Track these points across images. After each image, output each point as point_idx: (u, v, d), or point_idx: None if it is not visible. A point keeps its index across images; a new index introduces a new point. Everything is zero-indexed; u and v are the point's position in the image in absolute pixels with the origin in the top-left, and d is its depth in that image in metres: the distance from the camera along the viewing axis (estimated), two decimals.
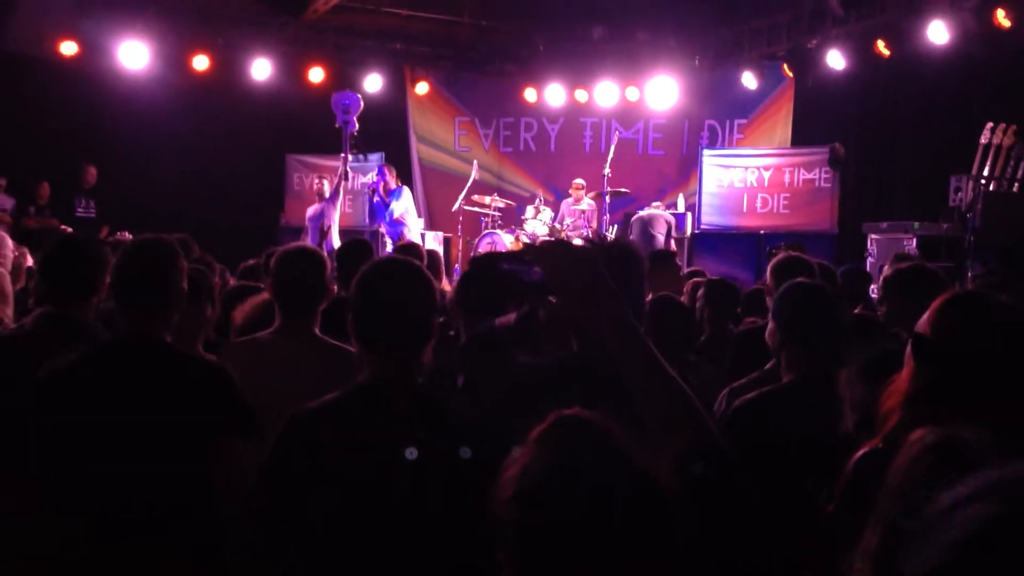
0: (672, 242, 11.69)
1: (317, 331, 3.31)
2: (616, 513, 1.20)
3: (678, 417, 1.48)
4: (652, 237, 11.56)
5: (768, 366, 3.44)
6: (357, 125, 10.88)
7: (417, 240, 10.46)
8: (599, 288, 1.52)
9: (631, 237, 11.41)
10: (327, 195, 11.35)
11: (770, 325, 3.48)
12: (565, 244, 1.58)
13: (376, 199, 11.49)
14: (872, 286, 6.42)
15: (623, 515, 1.20)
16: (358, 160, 11.78)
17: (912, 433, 1.49)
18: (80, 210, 11.40)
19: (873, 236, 9.81)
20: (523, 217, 12.35)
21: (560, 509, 1.21)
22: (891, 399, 2.01)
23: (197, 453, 2.58)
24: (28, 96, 11.54)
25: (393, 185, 11.61)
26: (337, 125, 10.88)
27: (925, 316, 2.07)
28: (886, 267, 4.83)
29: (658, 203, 12.64)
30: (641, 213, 12.07)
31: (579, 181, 12.63)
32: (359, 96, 11.11)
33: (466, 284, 3.39)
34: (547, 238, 11.87)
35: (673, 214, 12.47)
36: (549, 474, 1.24)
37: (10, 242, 4.91)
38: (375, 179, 11.60)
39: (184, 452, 2.58)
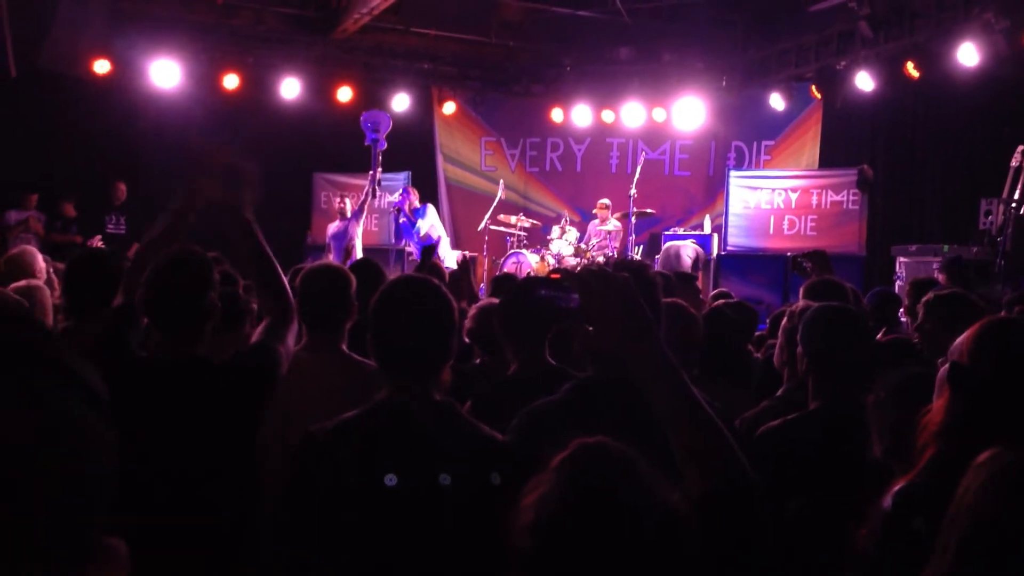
0: (699, 272, 11.65)
1: (344, 348, 3.32)
2: (633, 545, 1.19)
3: (709, 451, 1.47)
4: (680, 263, 11.52)
5: (779, 393, 3.39)
6: (385, 144, 10.95)
7: (446, 252, 10.54)
8: (636, 319, 1.52)
9: (658, 264, 11.41)
10: (348, 214, 11.41)
11: (779, 346, 3.43)
12: (604, 273, 1.56)
13: (403, 220, 11.56)
14: (900, 309, 6.35)
15: (640, 547, 1.19)
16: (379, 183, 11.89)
17: (977, 456, 1.47)
18: (111, 227, 11.52)
19: (902, 259, 9.72)
20: (549, 237, 12.36)
21: (576, 538, 1.20)
22: (926, 430, 1.97)
23: (248, 447, 2.62)
24: (61, 113, 11.71)
25: (417, 204, 11.68)
26: (366, 143, 10.95)
27: (960, 342, 2.03)
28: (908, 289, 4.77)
29: (677, 227, 12.60)
30: (670, 243, 12.00)
31: (604, 201, 12.62)
32: (388, 115, 11.18)
33: (507, 310, 3.36)
34: (572, 259, 11.87)
35: (699, 237, 12.43)
36: (566, 503, 1.23)
37: (40, 256, 4.96)
38: (399, 199, 11.67)
39: (237, 456, 2.63)
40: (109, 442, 0.69)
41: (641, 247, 12.38)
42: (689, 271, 11.02)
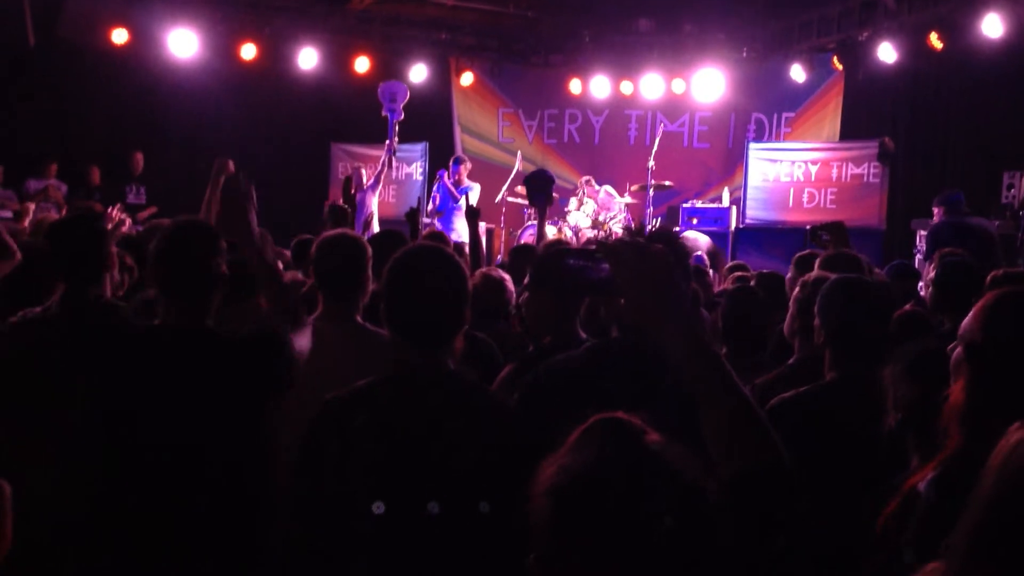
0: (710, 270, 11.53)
1: (359, 318, 3.31)
2: (652, 517, 1.17)
3: (742, 432, 1.44)
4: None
5: (791, 361, 3.38)
6: (403, 115, 10.92)
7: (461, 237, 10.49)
8: (669, 293, 1.48)
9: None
10: (365, 184, 11.40)
11: (790, 315, 3.42)
12: (638, 245, 1.51)
13: (442, 183, 11.55)
14: (920, 283, 6.32)
15: (659, 520, 1.18)
16: (400, 149, 11.86)
17: (1009, 432, 1.44)
18: (132, 196, 11.58)
19: (922, 233, 9.64)
20: (566, 209, 12.31)
21: (595, 507, 1.19)
22: (950, 414, 1.91)
23: (251, 428, 2.61)
24: (80, 83, 11.74)
25: (465, 182, 11.67)
26: (384, 114, 10.92)
27: (970, 320, 1.95)
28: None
29: (696, 200, 12.50)
30: (686, 234, 11.81)
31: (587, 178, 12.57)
32: (406, 86, 11.14)
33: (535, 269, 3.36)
34: (590, 231, 11.83)
35: (718, 210, 12.34)
36: (587, 472, 1.21)
37: None
38: (453, 167, 11.66)
39: (239, 433, 2.62)
40: None
41: (659, 219, 12.30)
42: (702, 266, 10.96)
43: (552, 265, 1.54)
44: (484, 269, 4.64)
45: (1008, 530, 1.25)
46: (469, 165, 12.10)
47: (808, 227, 9.85)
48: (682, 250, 2.34)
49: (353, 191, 10.09)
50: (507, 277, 4.29)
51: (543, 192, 7.04)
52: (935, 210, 8.33)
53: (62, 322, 3.08)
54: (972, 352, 1.89)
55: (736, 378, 1.47)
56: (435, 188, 11.97)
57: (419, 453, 2.19)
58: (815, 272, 3.48)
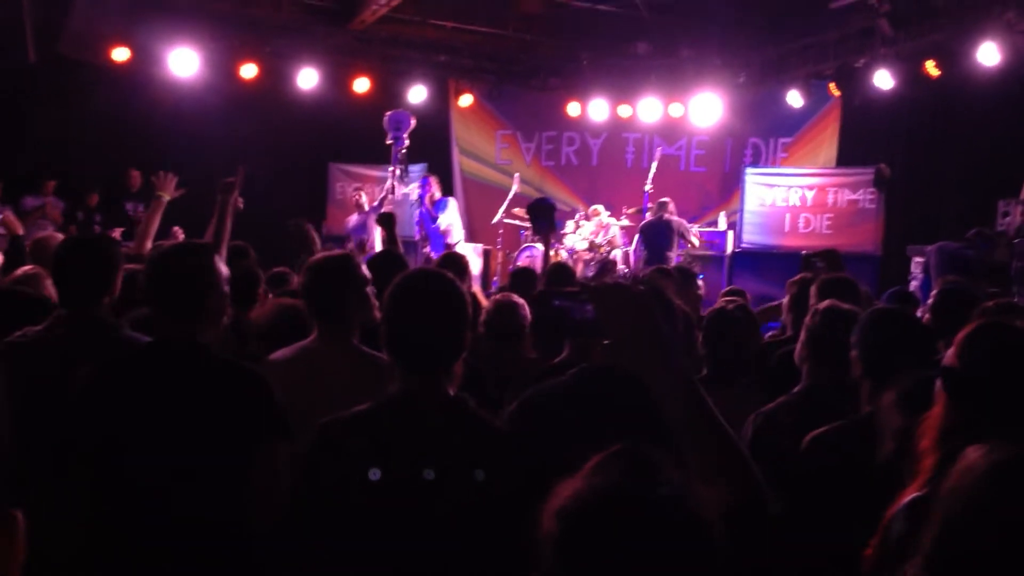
0: (682, 245, 11.53)
1: (355, 341, 3.29)
2: (660, 550, 1.19)
3: (725, 468, 1.46)
4: (666, 240, 11.38)
5: (797, 389, 3.37)
6: (408, 142, 10.95)
7: (462, 247, 10.49)
8: (653, 334, 1.50)
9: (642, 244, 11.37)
10: (366, 208, 11.40)
11: (801, 342, 3.40)
12: (622, 287, 1.55)
13: (422, 209, 11.52)
14: (919, 310, 6.32)
15: (668, 550, 1.19)
16: (404, 176, 11.85)
17: (969, 449, 1.46)
18: (130, 212, 11.60)
19: (918, 259, 9.66)
20: (563, 232, 12.33)
21: (604, 535, 1.20)
22: (926, 437, 1.96)
23: (234, 460, 2.59)
24: (80, 101, 11.77)
25: (438, 196, 11.62)
26: (388, 142, 10.95)
27: (952, 348, 2.03)
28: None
29: (692, 224, 12.54)
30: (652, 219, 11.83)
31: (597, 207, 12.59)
32: (411, 115, 11.16)
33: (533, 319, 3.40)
34: (587, 253, 11.86)
35: (714, 233, 12.39)
36: (599, 498, 1.23)
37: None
38: (421, 190, 11.63)
39: (221, 459, 2.59)
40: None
41: (637, 238, 12.29)
42: (672, 248, 11.01)
43: (539, 307, 1.58)
44: (499, 295, 4.67)
45: (959, 550, 1.28)
46: (438, 181, 11.99)
47: (803, 253, 9.91)
48: (663, 295, 2.37)
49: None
50: (522, 302, 4.31)
51: (547, 219, 7.08)
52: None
53: (62, 340, 3.08)
54: (948, 378, 1.94)
55: (718, 416, 1.49)
56: (416, 215, 11.92)
57: (416, 479, 2.18)
58: (827, 301, 3.44)
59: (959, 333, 2.03)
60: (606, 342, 1.52)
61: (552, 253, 11.73)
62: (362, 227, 11.24)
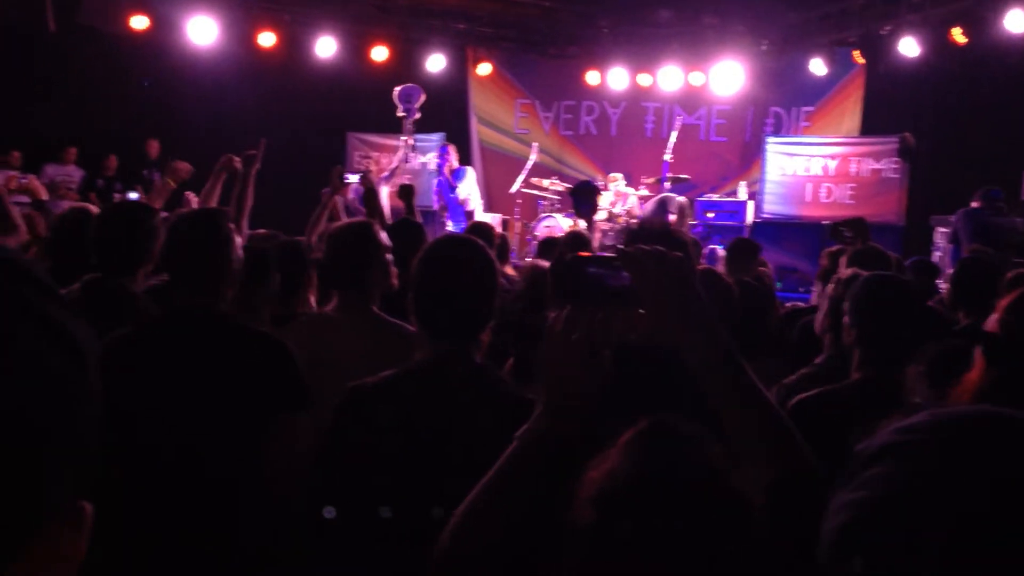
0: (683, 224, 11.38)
1: (375, 308, 3.28)
2: (700, 528, 1.16)
3: (770, 442, 1.40)
4: (665, 216, 11.27)
5: (819, 360, 3.35)
6: (419, 115, 10.94)
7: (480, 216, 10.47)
8: (693, 304, 1.44)
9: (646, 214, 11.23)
10: (377, 178, 11.35)
11: (823, 312, 3.38)
12: (659, 252, 1.47)
13: (440, 179, 11.49)
14: (939, 280, 6.27)
15: (706, 531, 1.16)
16: (414, 147, 11.79)
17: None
18: (157, 179, 11.65)
19: (941, 229, 9.56)
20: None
21: (641, 517, 1.16)
22: (960, 400, 1.94)
23: (253, 428, 2.58)
24: (100, 69, 11.79)
25: (456, 165, 11.58)
26: (399, 114, 10.94)
27: (995, 314, 2.01)
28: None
29: (712, 193, 12.39)
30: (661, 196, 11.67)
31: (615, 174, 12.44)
32: (421, 88, 11.13)
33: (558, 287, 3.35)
34: (605, 223, 11.79)
35: (734, 203, 12.29)
36: (636, 480, 1.19)
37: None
38: (440, 159, 11.59)
39: (240, 427, 2.58)
40: (86, 396, 0.66)
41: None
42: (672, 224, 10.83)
43: (572, 274, 1.48)
44: (531, 261, 4.67)
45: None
46: (456, 150, 11.93)
47: (827, 222, 9.80)
48: (690, 256, 2.33)
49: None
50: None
51: (589, 202, 7.04)
52: (972, 203, 8.40)
53: (80, 308, 3.08)
54: (991, 344, 1.92)
55: (760, 385, 1.44)
56: (435, 184, 11.87)
57: (442, 449, 2.17)
58: (849, 270, 3.41)
59: (994, 301, 2.01)
60: (641, 311, 1.46)
61: (572, 223, 11.71)
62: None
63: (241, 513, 2.56)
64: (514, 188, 12.55)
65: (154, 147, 11.87)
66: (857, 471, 0.83)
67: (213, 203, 4.79)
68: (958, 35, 10.30)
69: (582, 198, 7.12)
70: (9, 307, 0.62)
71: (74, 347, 0.65)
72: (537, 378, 2.53)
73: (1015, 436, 0.78)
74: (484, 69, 14.26)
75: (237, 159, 4.84)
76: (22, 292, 0.63)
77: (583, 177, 13.38)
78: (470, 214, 11.00)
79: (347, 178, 7.64)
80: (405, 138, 10.95)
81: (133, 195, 10.13)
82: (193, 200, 5.52)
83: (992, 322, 2.03)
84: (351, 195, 11.72)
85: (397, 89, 11.08)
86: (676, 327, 1.44)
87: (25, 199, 7.83)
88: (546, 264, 4.35)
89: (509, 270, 6.04)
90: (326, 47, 12.71)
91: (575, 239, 5.72)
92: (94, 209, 4.11)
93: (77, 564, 0.66)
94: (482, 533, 1.49)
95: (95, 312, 3.03)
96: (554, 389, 1.50)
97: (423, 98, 10.99)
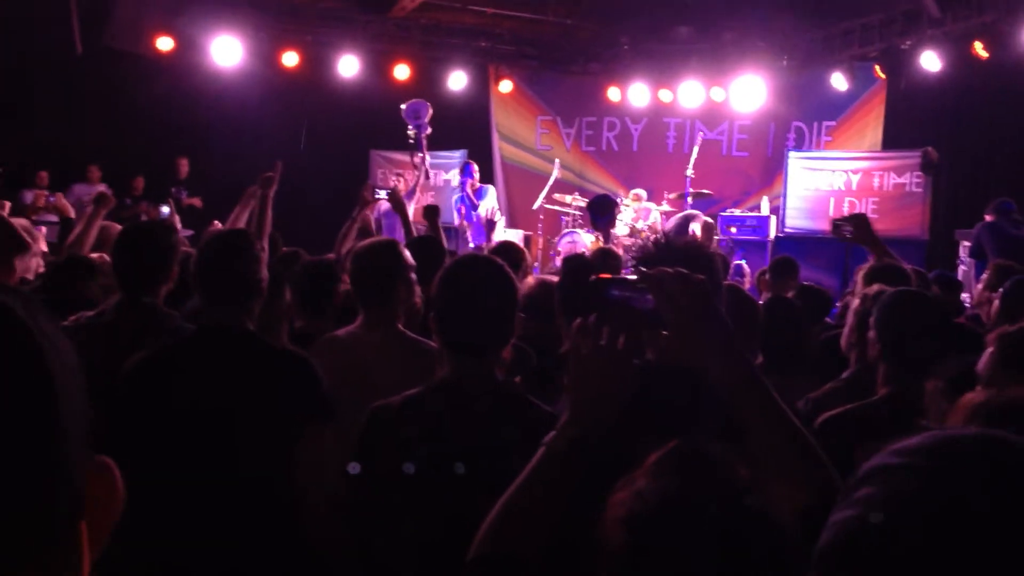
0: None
1: (400, 326, 3.32)
2: (731, 552, 1.15)
3: (798, 466, 1.40)
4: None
5: (845, 375, 3.34)
6: (430, 129, 10.97)
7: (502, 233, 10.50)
8: (717, 326, 1.45)
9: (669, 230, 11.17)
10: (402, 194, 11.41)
11: (848, 327, 3.37)
12: (681, 274, 1.46)
13: (462, 195, 11.54)
14: (963, 295, 6.24)
15: (740, 554, 1.15)
16: (438, 156, 11.84)
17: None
18: (184, 198, 11.80)
19: (965, 244, 9.50)
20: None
21: (673, 540, 1.16)
22: (963, 411, 1.94)
23: (283, 441, 2.62)
24: (125, 90, 11.94)
25: (478, 184, 11.65)
26: (410, 131, 10.95)
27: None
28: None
29: (734, 208, 12.35)
30: (684, 213, 11.65)
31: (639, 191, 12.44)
32: (426, 102, 11.15)
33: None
34: (627, 239, 11.79)
35: (757, 218, 12.27)
36: (666, 503, 1.18)
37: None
38: (462, 177, 11.64)
39: (273, 436, 2.63)
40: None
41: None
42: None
43: (595, 296, 1.45)
44: (538, 276, 4.71)
45: None
46: (476, 168, 12.03)
47: (852, 248, 9.77)
48: (717, 278, 2.33)
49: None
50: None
51: (608, 215, 7.02)
52: (986, 217, 8.33)
53: (113, 326, 3.15)
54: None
55: (785, 408, 1.44)
56: (457, 201, 11.93)
57: (468, 465, 2.19)
58: (875, 286, 3.41)
59: None
60: (665, 332, 1.46)
61: (593, 239, 11.73)
62: (392, 213, 11.29)
63: (276, 520, 2.60)
64: (536, 204, 12.60)
65: (183, 166, 12.02)
66: (850, 491, 0.82)
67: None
68: (980, 49, 10.26)
69: (599, 212, 7.10)
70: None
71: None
72: (553, 388, 2.55)
73: (1010, 462, 0.77)
74: (505, 86, 14.34)
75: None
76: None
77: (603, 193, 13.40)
78: (491, 226, 11.04)
79: (378, 194, 7.67)
80: (421, 155, 10.98)
81: (165, 209, 10.25)
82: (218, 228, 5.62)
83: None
84: (378, 212, 11.81)
85: (403, 107, 11.12)
86: (702, 350, 1.45)
87: (54, 218, 7.96)
88: (554, 279, 4.35)
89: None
90: (348, 66, 12.83)
91: (604, 258, 5.70)
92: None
93: (110, 524, 0.68)
94: (514, 535, 1.49)
95: (125, 332, 3.09)
96: (580, 398, 1.51)
97: (431, 112, 11.00)
